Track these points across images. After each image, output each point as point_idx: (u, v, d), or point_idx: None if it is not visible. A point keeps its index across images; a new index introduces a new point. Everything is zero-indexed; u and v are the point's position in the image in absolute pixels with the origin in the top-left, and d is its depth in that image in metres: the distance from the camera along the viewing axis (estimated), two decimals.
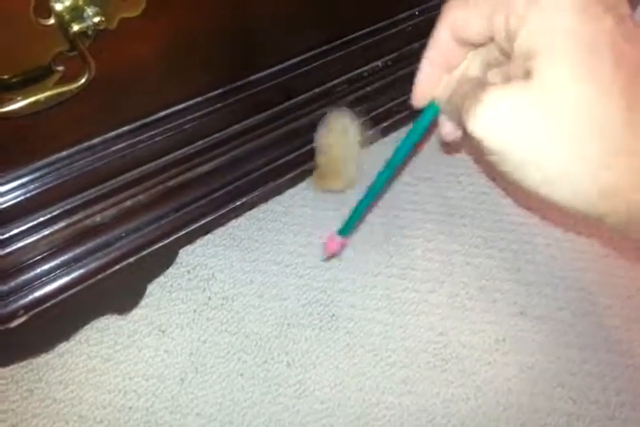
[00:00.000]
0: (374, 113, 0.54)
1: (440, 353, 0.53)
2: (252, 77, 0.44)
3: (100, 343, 0.47)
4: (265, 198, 0.49)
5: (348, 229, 0.40)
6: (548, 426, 0.50)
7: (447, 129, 0.30)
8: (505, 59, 0.25)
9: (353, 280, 0.56)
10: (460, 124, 0.25)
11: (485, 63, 0.27)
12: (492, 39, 0.24)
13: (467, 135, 0.24)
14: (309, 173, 0.51)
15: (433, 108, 0.28)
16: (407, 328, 0.53)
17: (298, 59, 0.46)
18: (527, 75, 0.22)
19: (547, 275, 0.59)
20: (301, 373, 0.49)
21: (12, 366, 0.44)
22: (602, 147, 0.21)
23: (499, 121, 0.22)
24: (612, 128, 0.21)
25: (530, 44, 0.22)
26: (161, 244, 0.42)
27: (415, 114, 0.29)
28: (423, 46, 0.57)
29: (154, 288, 0.51)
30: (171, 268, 0.51)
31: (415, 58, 0.56)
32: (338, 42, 0.49)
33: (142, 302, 0.49)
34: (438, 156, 0.66)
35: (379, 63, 0.54)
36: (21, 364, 0.44)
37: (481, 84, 0.24)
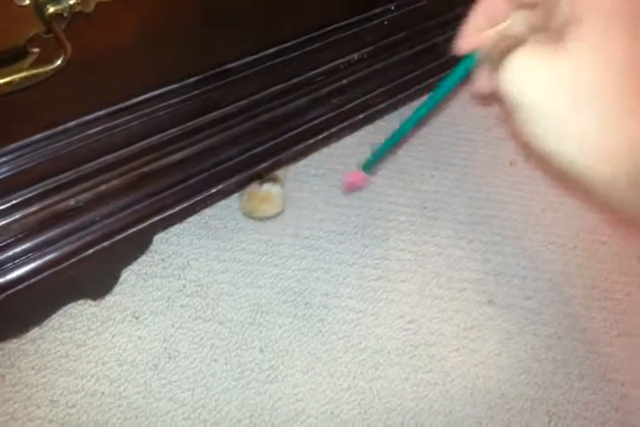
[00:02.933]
0: (349, 105, 0.55)
1: (410, 340, 0.54)
2: (229, 65, 0.44)
3: (74, 329, 0.47)
4: (240, 187, 0.49)
5: (371, 165, 0.42)
6: (514, 410, 0.52)
7: (482, 82, 0.30)
8: (548, 22, 0.26)
9: (327, 270, 0.56)
10: (494, 78, 0.26)
11: (529, 24, 0.27)
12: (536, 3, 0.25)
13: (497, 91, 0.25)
14: (285, 162, 0.52)
15: (472, 58, 0.29)
16: (379, 316, 0.55)
17: (275, 48, 0.47)
18: (563, 39, 0.23)
19: (515, 266, 0.61)
20: (274, 358, 0.50)
21: None
22: (618, 110, 0.22)
23: (526, 74, 0.23)
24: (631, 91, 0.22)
25: (570, 10, 0.23)
26: (135, 229, 0.42)
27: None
28: (399, 40, 0.58)
29: (128, 275, 0.51)
30: (145, 256, 0.51)
31: (391, 52, 0.58)
32: (316, 33, 0.50)
33: (116, 289, 0.49)
34: (412, 150, 0.68)
35: (355, 56, 0.55)
36: None
37: (520, 42, 0.25)
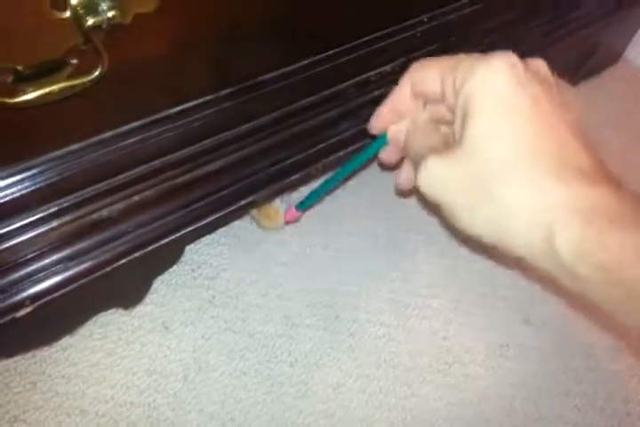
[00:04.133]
0: None
1: (443, 357, 0.52)
2: (261, 77, 0.45)
3: (104, 338, 0.48)
4: (271, 198, 0.49)
5: (305, 205, 0.47)
6: None
7: (387, 156, 0.37)
8: (451, 117, 0.30)
9: (357, 283, 0.56)
10: (415, 164, 0.30)
11: (433, 119, 0.32)
12: (442, 98, 0.29)
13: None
14: (315, 175, 0.51)
15: (382, 139, 0.35)
16: (410, 332, 0.53)
17: (307, 61, 0.47)
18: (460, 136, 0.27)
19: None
20: (304, 373, 0.49)
21: (15, 359, 0.44)
22: (513, 191, 0.25)
23: (435, 181, 0.27)
24: (532, 167, 0.25)
25: (464, 106, 0.26)
26: (167, 239, 0.42)
27: None
28: (431, 52, 0.58)
29: (159, 285, 0.51)
30: (176, 266, 0.51)
31: None
32: (347, 45, 0.49)
33: (147, 299, 0.49)
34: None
35: (387, 68, 0.54)
36: (25, 357, 0.45)
37: (430, 135, 0.31)
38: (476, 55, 0.27)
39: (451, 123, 0.30)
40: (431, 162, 0.27)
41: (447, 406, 0.50)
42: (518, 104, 0.25)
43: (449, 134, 0.32)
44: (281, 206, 0.56)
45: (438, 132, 0.32)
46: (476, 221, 0.26)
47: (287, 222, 0.53)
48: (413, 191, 0.36)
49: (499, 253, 0.28)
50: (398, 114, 0.33)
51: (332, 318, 0.53)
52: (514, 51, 0.29)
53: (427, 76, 0.30)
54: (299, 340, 0.51)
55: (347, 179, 0.43)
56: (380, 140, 0.35)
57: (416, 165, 0.29)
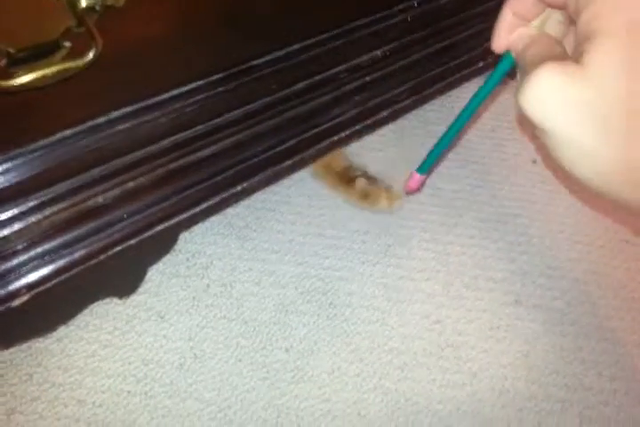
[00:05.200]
0: (373, 102, 0.55)
1: (436, 340, 0.53)
2: (254, 62, 0.44)
3: (99, 329, 0.47)
4: (264, 184, 0.49)
5: (425, 167, 0.42)
6: (543, 412, 0.51)
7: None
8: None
9: (351, 269, 0.56)
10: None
11: (562, 23, 0.27)
12: (564, 5, 0.24)
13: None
14: (308, 160, 0.51)
15: (509, 58, 0.28)
16: (404, 316, 0.54)
17: (299, 45, 0.47)
18: (583, 57, 0.22)
19: (541, 265, 0.60)
20: (299, 358, 0.49)
21: (11, 350, 0.43)
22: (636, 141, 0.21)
23: (542, 98, 0.22)
24: None
25: (588, 26, 0.22)
26: (162, 226, 0.42)
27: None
28: (423, 37, 0.58)
29: (153, 274, 0.50)
30: (170, 255, 0.51)
31: (414, 49, 0.57)
32: (339, 30, 0.49)
33: (141, 289, 0.49)
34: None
35: (378, 53, 0.54)
36: (21, 348, 0.44)
37: (552, 46, 0.25)
38: None
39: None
40: (546, 72, 0.22)
41: (440, 388, 0.51)
42: None
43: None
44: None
45: (561, 44, 0.27)
46: (583, 159, 0.22)
47: (410, 191, 0.49)
48: None
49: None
50: (524, 18, 0.27)
51: (327, 305, 0.53)
52: None
53: None
54: (293, 326, 0.51)
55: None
56: (505, 61, 0.29)
57: (525, 75, 0.24)
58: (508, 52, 0.28)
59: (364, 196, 0.58)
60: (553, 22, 0.27)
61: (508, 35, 0.28)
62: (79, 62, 0.32)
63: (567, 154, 0.23)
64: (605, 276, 0.60)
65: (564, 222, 0.64)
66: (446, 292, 0.57)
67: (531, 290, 0.58)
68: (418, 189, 0.48)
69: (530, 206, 0.64)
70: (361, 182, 0.58)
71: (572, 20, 0.25)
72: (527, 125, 0.24)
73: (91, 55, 0.32)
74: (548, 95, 0.22)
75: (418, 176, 0.43)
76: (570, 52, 0.26)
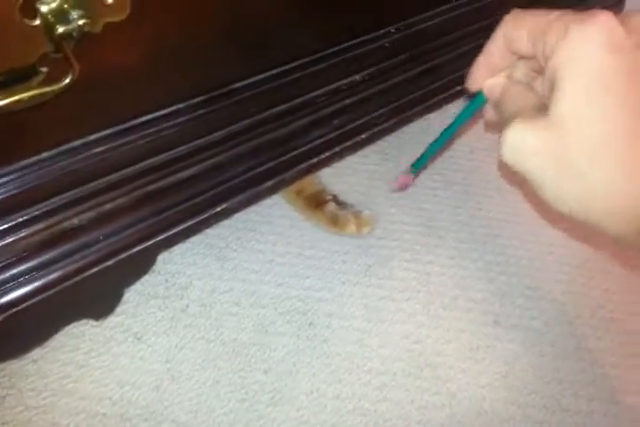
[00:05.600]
0: (351, 125, 0.56)
1: (415, 361, 0.53)
2: (234, 86, 0.45)
3: (76, 350, 0.47)
4: (244, 205, 0.49)
5: (418, 165, 0.44)
6: None
7: (489, 114, 0.33)
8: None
9: (331, 289, 0.56)
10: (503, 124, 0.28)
11: (531, 70, 0.30)
12: (534, 57, 0.27)
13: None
14: (288, 182, 0.52)
15: (480, 97, 0.32)
16: (383, 336, 0.54)
17: (278, 69, 0.48)
18: (550, 105, 0.24)
19: (519, 286, 0.61)
20: (278, 380, 0.49)
21: None
22: (606, 176, 0.24)
23: (520, 149, 0.25)
24: (621, 153, 0.23)
25: (554, 74, 0.24)
26: (139, 248, 0.42)
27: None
28: (401, 62, 0.59)
29: (131, 295, 0.50)
30: (148, 275, 0.51)
31: (392, 73, 0.58)
32: (318, 55, 0.50)
33: (119, 310, 0.49)
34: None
35: (357, 77, 0.55)
36: None
37: (524, 94, 0.28)
38: (569, 15, 0.24)
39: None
40: (518, 127, 0.25)
41: (419, 409, 0.51)
42: (614, 78, 0.23)
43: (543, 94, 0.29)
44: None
45: (532, 90, 0.29)
46: (563, 196, 0.25)
47: (399, 189, 0.51)
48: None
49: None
50: (493, 68, 0.30)
51: (306, 325, 0.53)
52: None
53: (517, 34, 0.27)
54: (272, 347, 0.51)
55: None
56: (477, 98, 0.32)
57: (504, 127, 0.27)
58: (480, 92, 0.32)
59: (333, 220, 0.59)
60: (522, 70, 0.30)
61: (481, 79, 0.31)
62: (55, 87, 0.32)
63: (546, 192, 0.25)
64: (583, 296, 0.61)
65: (541, 243, 0.64)
66: (426, 312, 0.57)
67: (509, 310, 0.58)
68: (404, 188, 0.50)
69: (508, 227, 0.65)
70: (330, 207, 0.58)
71: (539, 68, 0.28)
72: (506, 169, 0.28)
73: (67, 80, 0.32)
74: (522, 147, 0.25)
75: (410, 175, 0.46)
76: (541, 94, 0.28)
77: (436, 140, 0.39)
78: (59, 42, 0.32)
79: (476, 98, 0.33)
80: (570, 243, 0.65)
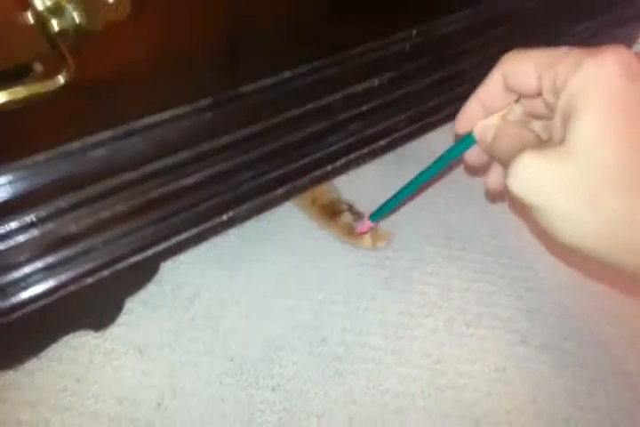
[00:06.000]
0: (369, 131, 0.53)
1: (436, 382, 0.49)
2: (244, 88, 0.43)
3: (74, 362, 0.45)
4: (253, 213, 0.47)
5: (376, 216, 0.45)
6: None
7: (473, 158, 0.33)
8: (548, 112, 0.27)
9: (345, 303, 0.53)
10: (504, 163, 0.27)
11: (526, 113, 0.30)
12: (538, 94, 0.26)
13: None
14: (301, 189, 0.50)
15: (469, 139, 0.31)
16: (401, 354, 0.51)
17: (292, 72, 0.46)
18: (564, 135, 0.24)
19: (549, 303, 0.57)
20: (287, 399, 0.46)
21: None
22: (628, 206, 0.23)
23: (531, 181, 0.24)
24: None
25: (568, 105, 0.23)
26: (139, 256, 0.40)
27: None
28: (421, 66, 0.57)
29: (134, 306, 0.48)
30: (154, 285, 0.49)
31: (413, 78, 0.56)
32: (333, 57, 0.48)
33: (121, 320, 0.47)
34: (438, 178, 0.65)
35: (375, 82, 0.53)
36: None
37: (523, 133, 0.27)
38: (577, 50, 0.24)
39: (547, 118, 0.28)
40: (527, 158, 0.24)
41: None
42: (634, 105, 0.22)
43: (542, 132, 0.29)
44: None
45: (530, 130, 0.29)
46: (578, 230, 0.24)
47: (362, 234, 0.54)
48: (505, 195, 0.31)
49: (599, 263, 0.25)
50: (487, 109, 0.30)
51: (318, 341, 0.50)
52: None
53: (521, 70, 0.27)
54: (282, 364, 0.48)
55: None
56: (466, 139, 0.32)
57: (504, 164, 0.27)
58: (469, 135, 0.31)
59: (348, 232, 0.56)
60: (516, 113, 0.30)
61: (472, 121, 0.31)
62: (49, 86, 0.31)
63: (558, 226, 0.24)
64: (619, 315, 0.56)
65: (572, 257, 0.60)
66: (448, 329, 0.53)
67: (539, 329, 0.54)
68: (365, 232, 0.52)
69: (534, 240, 0.61)
70: (346, 218, 0.56)
71: (537, 110, 0.28)
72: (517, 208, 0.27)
73: (61, 79, 0.31)
74: (533, 178, 0.24)
75: (368, 223, 0.47)
76: (539, 134, 0.28)
77: (407, 186, 0.39)
78: (54, 40, 0.30)
79: (464, 140, 0.32)
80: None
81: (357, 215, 0.57)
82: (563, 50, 0.25)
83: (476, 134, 0.31)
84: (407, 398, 0.48)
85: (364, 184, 0.62)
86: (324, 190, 0.58)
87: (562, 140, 0.24)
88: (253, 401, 0.46)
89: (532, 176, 0.24)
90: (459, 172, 0.66)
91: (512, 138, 0.28)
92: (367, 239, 0.55)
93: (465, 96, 0.61)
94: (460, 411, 0.48)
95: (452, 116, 0.59)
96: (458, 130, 0.32)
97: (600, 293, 0.58)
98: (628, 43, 0.75)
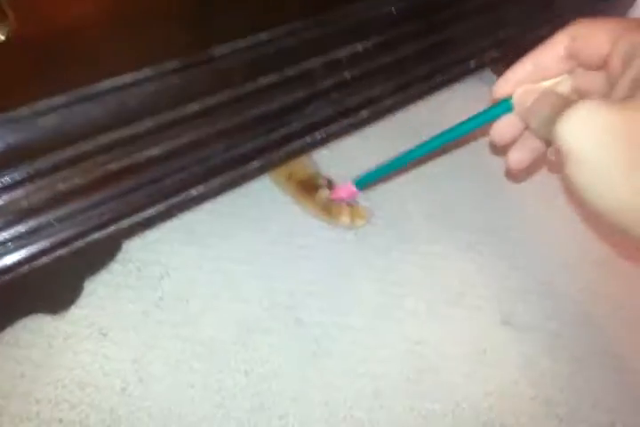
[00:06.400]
0: (352, 100, 0.50)
1: (416, 364, 0.48)
2: (215, 49, 0.39)
3: (32, 346, 0.42)
4: (225, 189, 0.44)
5: (364, 182, 0.41)
6: None
7: (503, 130, 0.31)
8: (600, 87, 0.27)
9: (322, 282, 0.51)
10: (538, 132, 0.26)
11: (574, 88, 0.28)
12: (598, 66, 0.26)
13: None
14: (277, 163, 0.46)
15: (506, 105, 0.29)
16: (380, 336, 0.49)
17: (269, 33, 0.42)
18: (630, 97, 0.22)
19: (532, 282, 0.55)
20: (260, 383, 0.44)
21: None
22: None
23: (586, 128, 0.22)
24: None
25: None
26: (98, 234, 0.37)
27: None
28: (409, 32, 0.53)
29: (97, 286, 0.45)
30: (118, 264, 0.46)
31: (400, 43, 0.52)
32: (315, 18, 0.44)
33: (83, 302, 0.44)
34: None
35: (359, 47, 0.49)
36: None
37: (567, 103, 0.25)
38: None
39: (589, 93, 0.27)
40: (591, 104, 0.22)
41: (418, 418, 0.46)
42: None
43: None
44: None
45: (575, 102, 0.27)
46: (609, 193, 0.22)
47: (337, 200, 0.50)
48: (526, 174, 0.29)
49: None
50: (536, 75, 0.28)
51: (293, 322, 0.48)
52: None
53: (594, 34, 0.25)
54: (255, 347, 0.46)
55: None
56: (501, 105, 0.29)
57: (539, 133, 0.26)
58: (507, 100, 0.28)
59: (325, 209, 0.53)
60: (566, 86, 0.28)
61: (515, 84, 0.28)
62: None
63: (593, 183, 0.23)
64: (604, 295, 0.55)
65: (558, 236, 0.59)
66: (429, 309, 0.52)
67: (522, 309, 0.53)
68: (347, 199, 0.48)
69: (523, 217, 0.59)
70: (324, 194, 0.53)
71: (581, 89, 0.27)
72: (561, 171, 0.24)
73: (1, 35, 0.27)
74: (591, 124, 0.22)
75: (351, 188, 0.43)
76: None
77: (408, 153, 0.35)
78: None
79: (499, 105, 0.29)
80: (591, 236, 0.59)
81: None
82: (636, 20, 0.24)
83: (516, 98, 0.28)
84: (385, 381, 0.47)
85: (345, 157, 0.59)
86: (302, 164, 0.54)
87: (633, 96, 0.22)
88: (224, 386, 0.44)
89: (589, 122, 0.22)
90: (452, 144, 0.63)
91: (554, 106, 0.25)
92: (345, 217, 0.53)
93: (454, 63, 0.58)
94: (440, 393, 0.47)
95: (440, 86, 0.57)
96: (496, 93, 0.29)
97: (584, 272, 0.56)
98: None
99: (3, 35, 0.28)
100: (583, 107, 0.23)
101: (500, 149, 0.33)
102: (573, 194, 0.24)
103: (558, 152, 0.24)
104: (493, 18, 0.60)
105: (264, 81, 0.44)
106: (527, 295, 0.54)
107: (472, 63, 0.58)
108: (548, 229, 0.59)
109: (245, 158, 0.44)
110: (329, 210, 0.52)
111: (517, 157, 0.31)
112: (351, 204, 0.53)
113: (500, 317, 0.52)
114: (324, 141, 0.50)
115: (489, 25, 0.57)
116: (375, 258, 0.53)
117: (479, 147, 0.64)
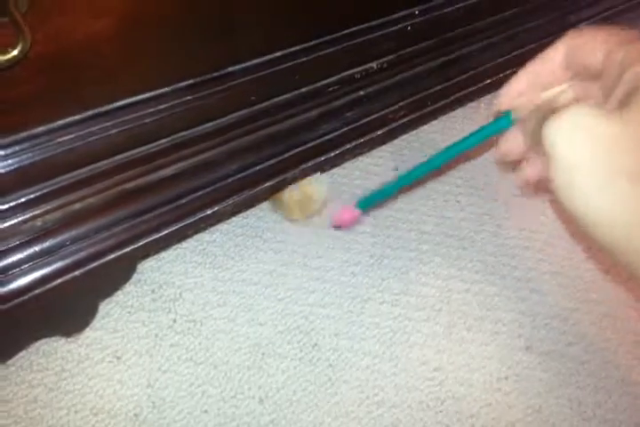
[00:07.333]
0: (366, 119, 0.49)
1: (435, 391, 0.46)
2: (230, 69, 0.39)
3: (45, 370, 0.41)
4: (239, 209, 0.43)
5: (367, 204, 0.40)
6: None
7: (510, 145, 0.29)
8: (597, 97, 0.26)
9: (339, 305, 0.50)
10: (532, 140, 0.26)
11: (575, 96, 0.27)
12: (595, 75, 0.26)
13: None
14: (290, 182, 0.46)
15: (507, 118, 0.28)
16: (398, 362, 0.47)
17: (283, 52, 0.42)
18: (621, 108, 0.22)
19: (554, 306, 0.54)
20: (275, 411, 0.43)
21: None
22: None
23: (575, 132, 0.22)
24: None
25: (634, 82, 0.22)
26: (113, 255, 0.36)
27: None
28: (424, 49, 0.53)
29: (111, 308, 0.45)
30: (132, 286, 0.45)
31: (414, 62, 0.52)
32: (329, 37, 0.44)
33: (97, 324, 0.43)
34: (436, 173, 0.61)
35: (373, 65, 0.49)
36: None
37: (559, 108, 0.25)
38: None
39: (593, 99, 0.27)
40: (583, 108, 0.22)
41: None
42: None
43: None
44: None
45: None
46: (593, 200, 0.22)
47: (337, 225, 0.47)
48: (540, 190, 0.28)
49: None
50: (536, 86, 0.28)
51: (309, 347, 0.47)
52: None
53: (589, 45, 0.26)
54: (270, 372, 0.44)
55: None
56: (502, 119, 0.29)
57: (535, 142, 0.25)
58: (509, 113, 0.28)
59: (278, 199, 0.50)
60: (568, 95, 0.27)
61: (516, 97, 0.28)
62: (1, 58, 0.27)
63: (577, 189, 0.22)
64: (627, 320, 0.53)
65: (578, 257, 0.57)
66: (448, 334, 0.50)
67: (543, 334, 0.51)
68: (349, 225, 0.46)
69: (539, 238, 0.58)
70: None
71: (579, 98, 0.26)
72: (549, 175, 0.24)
73: (16, 51, 0.27)
74: (581, 128, 0.22)
75: (353, 212, 0.41)
76: None
77: (411, 172, 0.34)
78: (5, 4, 0.26)
79: (500, 119, 0.29)
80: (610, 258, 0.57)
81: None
82: (634, 31, 0.25)
83: (519, 114, 0.28)
84: (404, 410, 0.45)
85: (359, 176, 0.59)
86: None
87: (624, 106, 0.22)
88: (239, 413, 0.42)
89: (579, 126, 0.22)
90: (459, 163, 0.62)
91: (545, 115, 0.25)
92: (295, 210, 0.51)
93: (469, 82, 0.58)
94: (460, 423, 0.45)
95: (455, 104, 0.56)
96: (499, 105, 0.29)
97: (606, 297, 0.55)
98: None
99: (19, 52, 0.28)
100: (570, 112, 0.23)
101: (506, 162, 0.32)
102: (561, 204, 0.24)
103: (546, 158, 0.24)
104: (508, 37, 0.60)
105: (278, 100, 0.44)
106: (548, 320, 0.52)
107: (487, 81, 0.58)
108: (566, 251, 0.58)
109: (259, 179, 0.44)
110: (279, 199, 0.50)
111: (525, 172, 0.30)
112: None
113: (521, 342, 0.50)
114: (337, 161, 0.50)
115: (505, 44, 0.57)
116: (391, 281, 0.52)
117: (490, 166, 0.63)
